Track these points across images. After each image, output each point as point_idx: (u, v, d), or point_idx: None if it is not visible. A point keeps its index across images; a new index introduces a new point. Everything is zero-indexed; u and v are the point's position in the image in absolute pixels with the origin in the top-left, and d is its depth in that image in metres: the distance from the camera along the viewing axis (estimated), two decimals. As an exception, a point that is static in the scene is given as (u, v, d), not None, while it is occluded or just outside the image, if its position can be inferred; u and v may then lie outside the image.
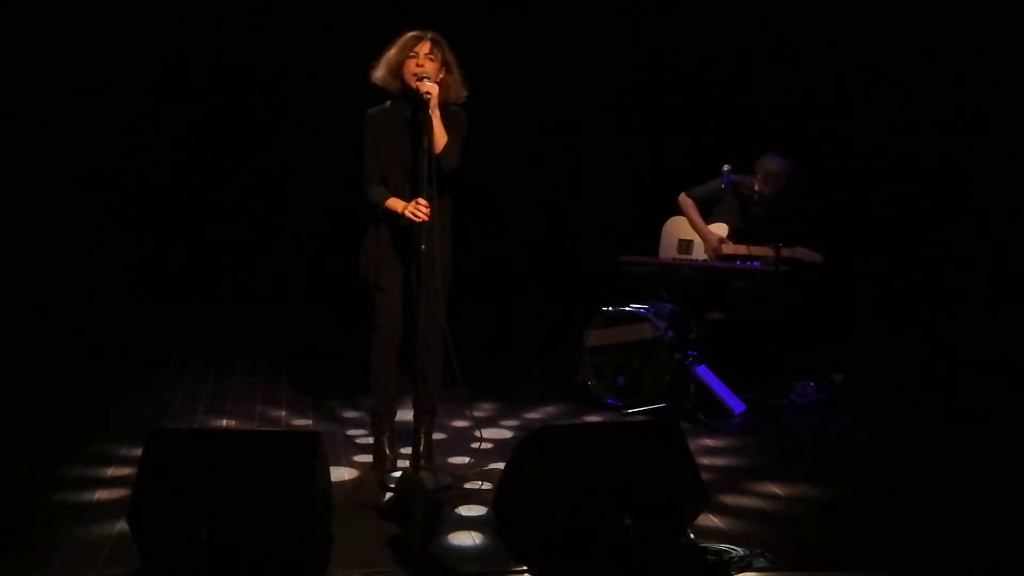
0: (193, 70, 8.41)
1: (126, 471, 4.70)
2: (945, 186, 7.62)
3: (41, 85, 7.99)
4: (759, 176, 6.28)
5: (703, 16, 8.35)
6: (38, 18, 7.94)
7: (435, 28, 4.76)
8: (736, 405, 6.10)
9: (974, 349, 7.21)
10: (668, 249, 6.55)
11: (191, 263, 8.65)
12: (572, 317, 6.72)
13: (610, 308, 6.26)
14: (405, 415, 5.07)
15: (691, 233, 6.47)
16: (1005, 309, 7.34)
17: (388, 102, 4.82)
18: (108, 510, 4.29)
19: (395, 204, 4.68)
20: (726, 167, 6.24)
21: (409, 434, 4.71)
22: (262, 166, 8.68)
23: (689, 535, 3.90)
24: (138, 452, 3.68)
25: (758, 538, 4.13)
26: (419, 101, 4.59)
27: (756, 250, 6.15)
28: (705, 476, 4.19)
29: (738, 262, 6.18)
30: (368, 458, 5.07)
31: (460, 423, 5.71)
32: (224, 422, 5.77)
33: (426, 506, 4.28)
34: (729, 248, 6.29)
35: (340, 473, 4.87)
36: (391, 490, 4.56)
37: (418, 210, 4.53)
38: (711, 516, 4.31)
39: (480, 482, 4.72)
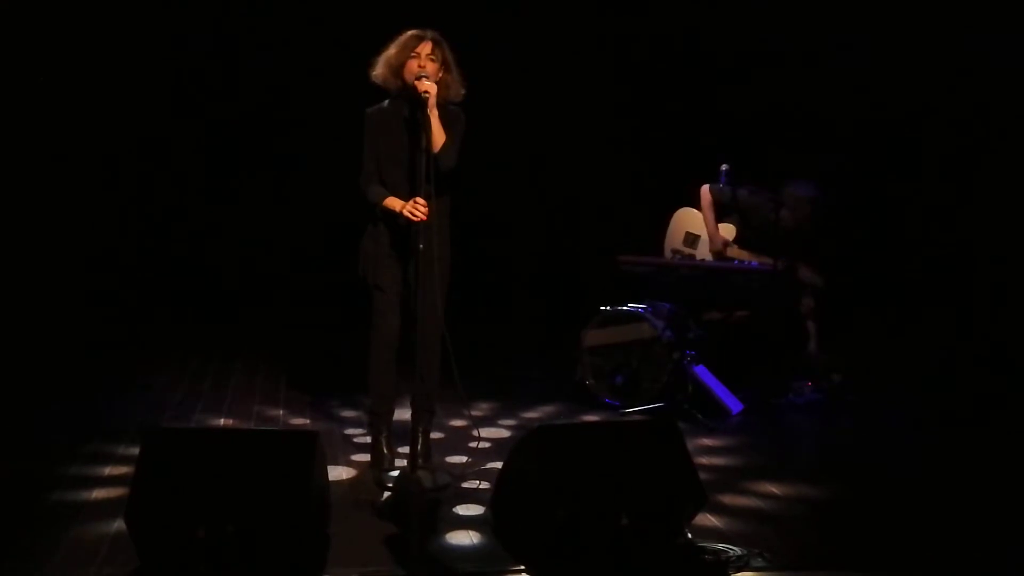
0: (193, 70, 8.40)
1: (124, 470, 4.69)
2: (945, 185, 7.62)
3: (41, 85, 7.98)
4: (785, 203, 6.23)
5: (703, 16, 8.34)
6: (38, 20, 7.93)
7: (434, 27, 4.76)
8: (734, 405, 6.10)
9: (974, 349, 7.21)
10: (674, 239, 6.54)
11: (190, 262, 8.63)
12: (570, 316, 6.72)
13: (608, 307, 6.26)
14: (403, 414, 5.07)
15: (700, 228, 6.47)
16: (1005, 309, 7.34)
17: (386, 101, 4.82)
18: (106, 509, 4.29)
19: (393, 203, 4.68)
20: (724, 167, 6.24)
21: (407, 433, 4.70)
22: (261, 165, 8.67)
23: (687, 535, 3.91)
24: (136, 451, 3.68)
25: (756, 538, 4.13)
26: (418, 100, 4.58)
27: (758, 259, 6.14)
28: (703, 476, 4.19)
29: (736, 261, 6.18)
30: (366, 457, 5.07)
31: (458, 422, 5.71)
32: (222, 421, 5.77)
33: (424, 505, 4.27)
34: (733, 252, 6.29)
35: (338, 472, 4.86)
36: (389, 489, 4.56)
37: (416, 209, 4.53)
38: (709, 516, 4.31)
39: (478, 481, 4.72)
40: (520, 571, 3.72)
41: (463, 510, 4.41)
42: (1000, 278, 7.44)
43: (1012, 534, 4.26)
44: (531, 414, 6.07)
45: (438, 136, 4.59)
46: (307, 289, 8.65)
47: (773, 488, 4.78)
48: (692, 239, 6.46)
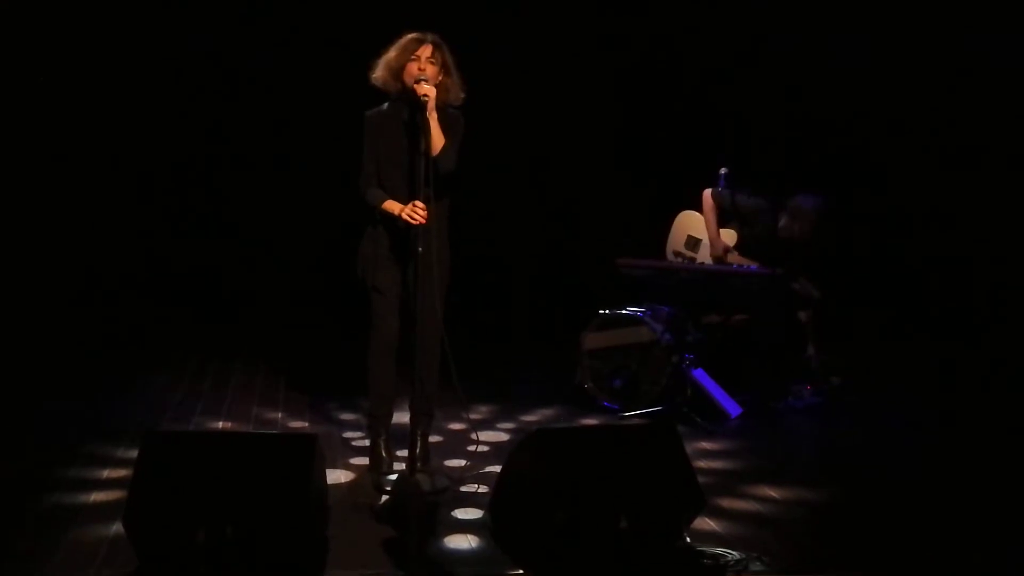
0: (193, 71, 8.40)
1: (122, 472, 4.69)
2: (945, 185, 7.62)
3: (41, 86, 7.98)
4: (789, 214, 6.25)
5: (704, 18, 8.34)
6: (36, 20, 7.93)
7: (433, 29, 4.77)
8: (733, 408, 6.10)
9: (974, 350, 7.21)
10: (676, 242, 6.54)
11: (189, 264, 8.63)
12: (569, 319, 6.72)
13: (607, 311, 6.26)
14: (402, 417, 5.07)
15: (702, 231, 6.46)
16: (1005, 309, 7.34)
17: (385, 104, 4.82)
18: (104, 512, 4.29)
19: (392, 206, 4.68)
20: (723, 171, 6.24)
21: (405, 436, 4.70)
22: (261, 167, 8.66)
23: (685, 538, 3.90)
24: (135, 454, 3.68)
25: (754, 541, 4.13)
26: (417, 103, 4.58)
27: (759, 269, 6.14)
28: (702, 479, 4.19)
29: (735, 265, 6.18)
30: (364, 460, 5.07)
31: (457, 425, 5.70)
32: (221, 424, 5.77)
33: (422, 509, 4.28)
34: (733, 258, 6.29)
35: (336, 475, 4.86)
36: (387, 492, 4.55)
37: (415, 212, 4.53)
38: (707, 519, 4.31)
39: (476, 485, 4.72)
40: (519, 575, 3.72)
41: (462, 513, 4.41)
42: (1000, 278, 7.44)
43: (1012, 534, 4.26)
44: (530, 417, 6.07)
45: (437, 139, 4.59)
46: (306, 291, 8.64)
47: (772, 492, 4.78)
48: (694, 242, 6.47)
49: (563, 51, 8.52)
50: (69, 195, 8.18)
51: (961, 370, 7.00)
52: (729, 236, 6.38)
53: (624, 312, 6.22)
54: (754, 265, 6.10)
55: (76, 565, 3.78)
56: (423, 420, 4.87)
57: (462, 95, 4.78)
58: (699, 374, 6.12)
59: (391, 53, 4.72)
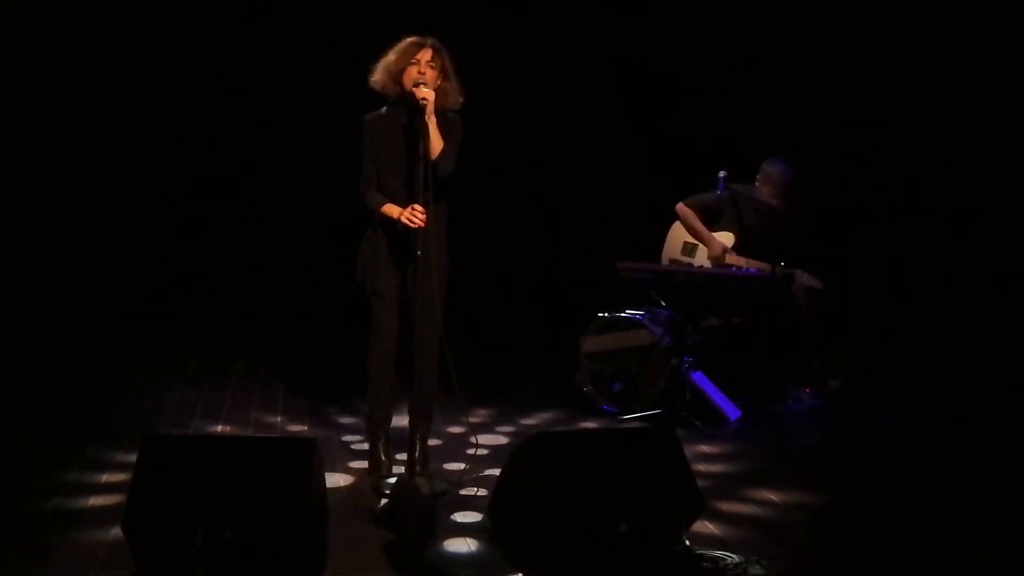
0: (192, 71, 8.40)
1: (121, 477, 4.69)
2: (945, 185, 7.62)
3: (42, 86, 7.98)
4: (760, 179, 6.28)
5: (703, 20, 8.35)
6: (33, 20, 7.93)
7: (433, 31, 4.77)
8: (732, 411, 6.10)
9: (974, 351, 7.20)
10: (672, 250, 6.54)
11: (188, 267, 8.63)
12: (568, 323, 6.72)
13: (607, 314, 6.26)
14: (401, 421, 5.06)
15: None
16: (1004, 310, 7.34)
17: (384, 107, 4.83)
18: (103, 516, 4.28)
19: (391, 210, 4.68)
20: (722, 173, 6.24)
21: (405, 440, 4.71)
22: (260, 170, 8.67)
23: (685, 542, 3.90)
24: (133, 458, 3.68)
25: (754, 545, 4.13)
26: (416, 107, 4.59)
27: (756, 265, 6.14)
28: (701, 482, 4.19)
29: (734, 268, 6.18)
30: (363, 464, 5.07)
31: (456, 429, 5.70)
32: (220, 428, 5.77)
33: (421, 512, 4.27)
34: (732, 258, 6.29)
35: (335, 479, 4.86)
36: (386, 496, 4.56)
37: (414, 216, 4.53)
38: (707, 523, 4.31)
39: (476, 488, 4.72)
40: (518, 578, 3.72)
41: (461, 517, 4.40)
42: (1000, 278, 7.43)
43: (1012, 534, 4.26)
44: (529, 421, 6.07)
45: (436, 143, 4.59)
46: (305, 295, 8.64)
47: (771, 495, 4.78)
48: (690, 248, 6.47)
49: (563, 52, 8.52)
50: (68, 197, 8.18)
51: (961, 370, 7.00)
52: (726, 238, 6.39)
53: (623, 315, 6.22)
54: (753, 268, 6.10)
55: (75, 569, 3.78)
56: (422, 423, 4.87)
57: (461, 99, 4.79)
58: (698, 377, 6.12)
59: (390, 56, 4.73)
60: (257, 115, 8.52)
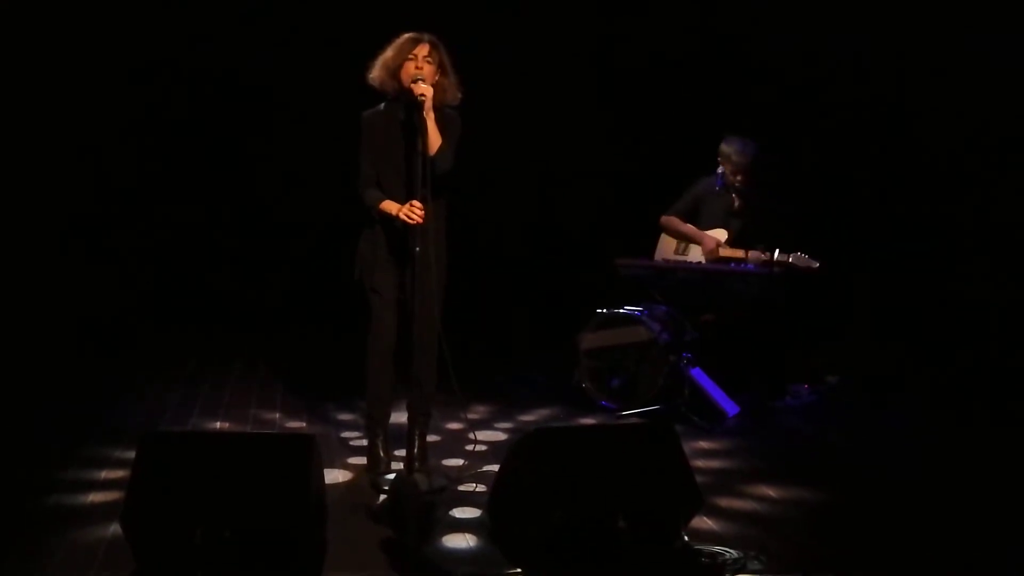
0: (190, 70, 8.39)
1: (120, 474, 4.69)
2: (945, 185, 7.62)
3: (41, 86, 7.98)
4: (720, 160, 6.30)
5: (703, 19, 8.34)
6: (29, 20, 7.93)
7: (432, 29, 4.77)
8: (730, 407, 6.10)
9: (973, 348, 7.21)
10: (666, 250, 6.55)
11: (188, 265, 8.63)
12: (567, 319, 6.72)
13: (605, 310, 6.26)
14: (399, 417, 5.07)
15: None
16: (1004, 309, 7.34)
17: (382, 104, 4.82)
18: (102, 513, 4.29)
19: (390, 207, 4.68)
20: (720, 169, 6.25)
21: (403, 436, 4.71)
22: (259, 169, 8.66)
23: (683, 537, 3.90)
24: (132, 455, 3.68)
25: (752, 540, 4.13)
26: (414, 103, 4.58)
27: (752, 254, 6.14)
28: (699, 478, 4.19)
29: (732, 264, 6.18)
30: (362, 460, 5.07)
31: (454, 425, 5.71)
32: (219, 424, 5.77)
33: (420, 508, 4.28)
34: (726, 251, 6.29)
35: (334, 475, 4.86)
36: (385, 492, 4.56)
37: (412, 212, 4.53)
38: (705, 518, 4.31)
39: (474, 484, 4.72)
40: (516, 574, 3.72)
41: (459, 513, 4.41)
42: (1000, 277, 7.43)
43: (1012, 534, 4.26)
44: (528, 417, 6.07)
45: (434, 139, 4.59)
46: (304, 292, 8.64)
47: (769, 491, 4.78)
48: (683, 247, 6.48)
49: (563, 52, 8.51)
50: (67, 197, 8.17)
51: (961, 368, 7.00)
52: (719, 234, 6.38)
53: (622, 312, 6.22)
54: (751, 263, 6.10)
55: (74, 566, 3.78)
56: (421, 420, 4.87)
57: (459, 95, 4.78)
58: (697, 373, 6.12)
59: (388, 53, 4.72)
60: (256, 114, 8.52)
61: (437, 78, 4.68)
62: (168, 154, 8.52)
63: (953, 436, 5.83)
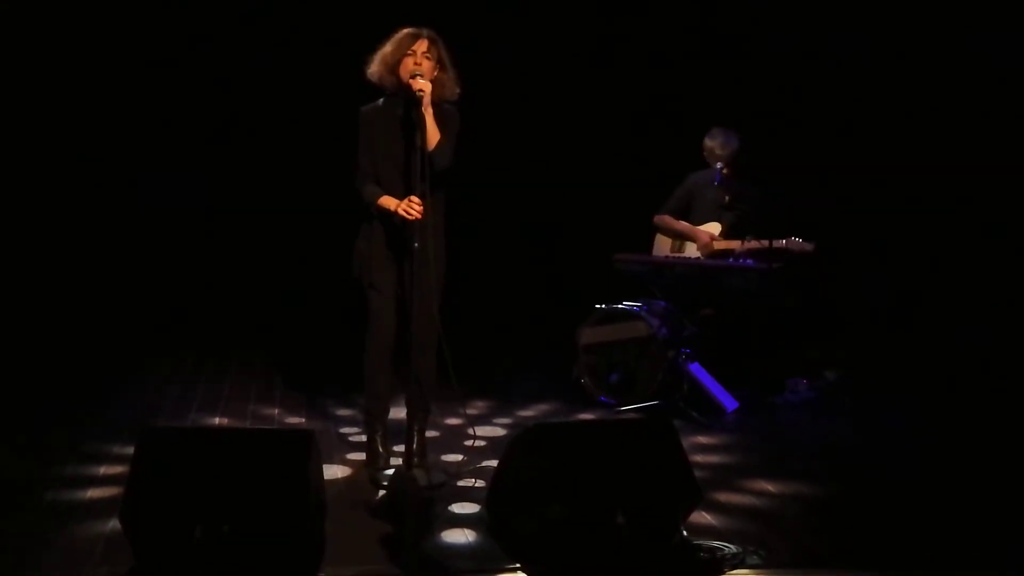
0: (187, 66, 8.38)
1: (119, 469, 4.69)
2: (945, 185, 7.62)
3: (41, 86, 7.97)
4: (705, 155, 6.34)
5: (702, 18, 8.33)
6: (29, 20, 7.92)
7: (433, 26, 4.76)
8: (729, 402, 6.11)
9: (972, 347, 7.21)
10: (662, 247, 6.56)
11: (187, 261, 8.62)
12: (566, 315, 6.72)
13: (604, 305, 6.26)
14: (398, 413, 5.07)
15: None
16: (1004, 307, 7.34)
17: (381, 100, 4.82)
18: (101, 509, 4.29)
19: (388, 202, 4.68)
20: (719, 165, 6.25)
21: (402, 432, 4.72)
22: (257, 165, 8.65)
23: (682, 532, 3.91)
24: (131, 450, 3.68)
25: (751, 535, 4.14)
26: (413, 98, 4.58)
27: (747, 244, 6.14)
28: (698, 473, 4.19)
29: (731, 259, 6.18)
30: (361, 456, 5.07)
31: (453, 421, 5.71)
32: (217, 420, 5.77)
33: (419, 504, 4.28)
34: (720, 244, 6.30)
35: (333, 471, 4.87)
36: (384, 488, 4.56)
37: (411, 208, 4.53)
38: (704, 513, 4.32)
39: (473, 480, 4.72)
40: (515, 569, 3.72)
41: (458, 508, 4.41)
42: (1000, 277, 7.43)
43: (1012, 534, 4.26)
44: (527, 412, 6.08)
45: (433, 134, 4.58)
46: (303, 288, 8.63)
47: (768, 486, 4.78)
48: (680, 243, 6.48)
49: (563, 51, 8.50)
50: (66, 195, 8.16)
51: (958, 368, 7.00)
52: (713, 228, 6.38)
53: (621, 307, 6.22)
54: (750, 260, 6.10)
55: (73, 562, 3.78)
56: (420, 416, 4.86)
57: (458, 91, 4.77)
58: (695, 368, 6.12)
59: (387, 48, 4.72)
60: (254, 110, 8.50)
61: (436, 74, 4.68)
62: (166, 150, 8.51)
63: (952, 431, 5.82)
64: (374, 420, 4.98)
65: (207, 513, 3.48)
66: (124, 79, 8.22)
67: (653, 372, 6.04)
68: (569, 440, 3.92)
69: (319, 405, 6.07)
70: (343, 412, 5.94)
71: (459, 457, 5.08)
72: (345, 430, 5.61)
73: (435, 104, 4.63)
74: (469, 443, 5.15)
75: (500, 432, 5.63)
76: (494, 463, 4.18)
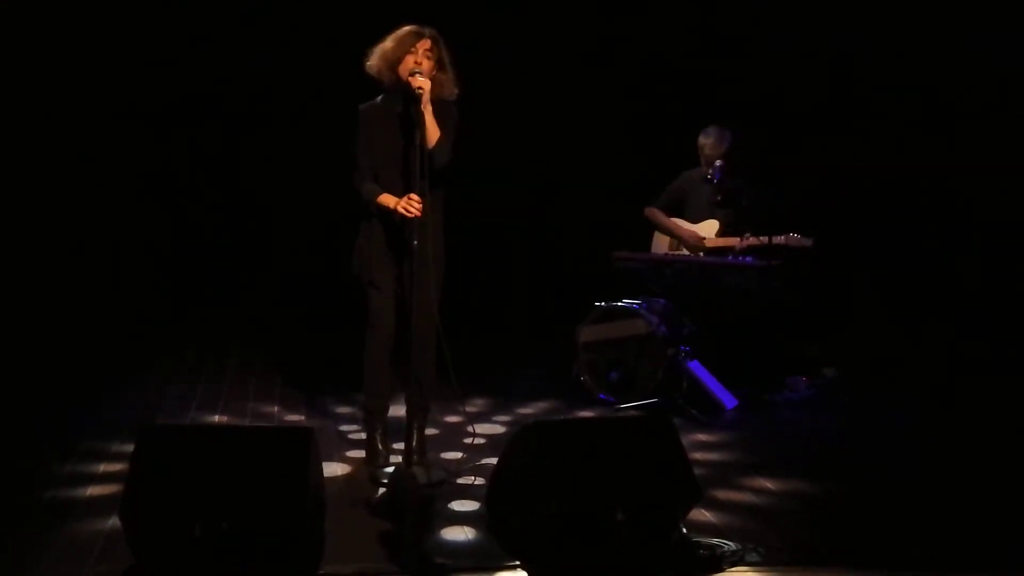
0: (187, 65, 8.38)
1: (118, 467, 4.69)
2: (945, 185, 7.62)
3: (40, 86, 7.96)
4: (700, 153, 6.35)
5: (702, 17, 8.33)
6: (29, 20, 7.92)
7: (434, 26, 4.76)
8: (728, 400, 6.11)
9: (972, 345, 7.21)
10: (662, 244, 6.56)
11: (186, 260, 8.62)
12: (565, 313, 6.72)
13: (603, 304, 6.27)
14: (398, 410, 5.07)
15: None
16: (1005, 306, 7.34)
17: (379, 97, 4.82)
18: (100, 507, 4.29)
19: (387, 200, 4.68)
20: (718, 163, 6.25)
21: (402, 430, 4.72)
22: (257, 162, 8.65)
23: (682, 530, 3.91)
24: (130, 448, 3.68)
25: (750, 533, 4.14)
26: (412, 96, 4.58)
27: (748, 241, 6.13)
28: (697, 471, 4.19)
29: (730, 257, 6.18)
30: (361, 454, 5.08)
31: (453, 418, 5.71)
32: (217, 418, 5.77)
33: (419, 501, 4.28)
34: (713, 242, 6.29)
35: (333, 469, 4.87)
36: (384, 486, 4.56)
37: (410, 205, 4.53)
38: (703, 511, 4.32)
39: (473, 477, 4.73)
40: (515, 567, 3.72)
41: (458, 506, 4.41)
42: (1000, 277, 7.43)
43: (1012, 533, 4.26)
44: (526, 410, 6.08)
45: (432, 132, 4.58)
46: (302, 286, 8.64)
47: (768, 483, 4.79)
48: (677, 244, 6.49)
49: (563, 51, 8.50)
50: (66, 194, 8.16)
51: (958, 367, 7.00)
52: (711, 226, 6.38)
53: (620, 305, 6.23)
54: (749, 257, 6.10)
55: (73, 560, 3.78)
56: (419, 413, 4.86)
57: (456, 90, 4.78)
58: (695, 366, 6.13)
59: (388, 44, 4.72)
60: (254, 108, 8.50)
61: (435, 73, 4.68)
62: (166, 150, 8.51)
63: (951, 429, 5.83)
64: (374, 418, 4.98)
65: (207, 511, 3.48)
66: (124, 79, 8.22)
67: (652, 370, 6.04)
68: (568, 438, 3.92)
69: (319, 403, 6.08)
70: (343, 410, 5.94)
71: (459, 455, 5.08)
72: (345, 428, 5.61)
73: (434, 101, 4.63)
74: (469, 441, 5.15)
75: (500, 430, 5.63)
76: (494, 461, 4.18)
